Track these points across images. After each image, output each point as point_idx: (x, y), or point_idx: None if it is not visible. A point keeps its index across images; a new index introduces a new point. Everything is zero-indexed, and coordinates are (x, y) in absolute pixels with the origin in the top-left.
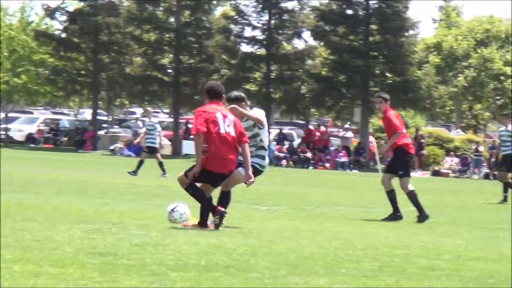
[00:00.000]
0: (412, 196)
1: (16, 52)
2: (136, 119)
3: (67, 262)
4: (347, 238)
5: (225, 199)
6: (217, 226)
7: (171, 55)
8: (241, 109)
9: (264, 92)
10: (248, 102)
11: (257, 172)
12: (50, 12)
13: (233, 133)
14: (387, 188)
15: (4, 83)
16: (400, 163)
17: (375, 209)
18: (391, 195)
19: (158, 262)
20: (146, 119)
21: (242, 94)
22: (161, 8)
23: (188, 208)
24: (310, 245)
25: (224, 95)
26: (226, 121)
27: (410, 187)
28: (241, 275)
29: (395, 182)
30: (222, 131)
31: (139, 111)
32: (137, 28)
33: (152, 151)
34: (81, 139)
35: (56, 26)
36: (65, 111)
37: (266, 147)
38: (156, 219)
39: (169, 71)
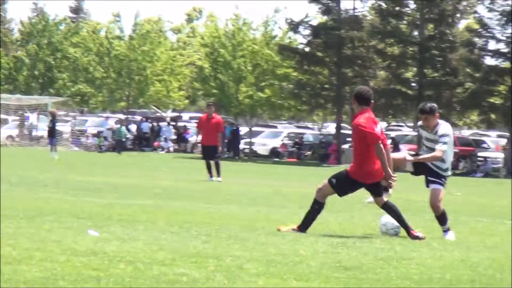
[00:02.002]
0: None
1: (259, 66)
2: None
3: (312, 276)
4: None
5: (443, 218)
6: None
7: (414, 69)
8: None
9: (508, 105)
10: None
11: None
12: (294, 26)
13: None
14: None
15: (248, 97)
16: None
17: None
18: None
19: (402, 276)
20: None
21: (435, 105)
22: (405, 22)
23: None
24: None
25: (372, 101)
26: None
27: None
28: None
29: None
30: None
31: (383, 125)
32: (380, 42)
33: None
34: (325, 153)
35: (300, 40)
36: (309, 125)
37: (447, 159)
38: (402, 232)
39: (413, 84)
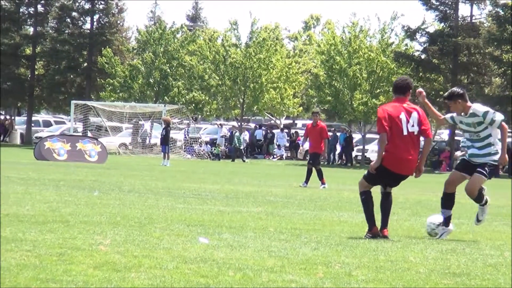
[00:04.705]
0: None
1: (375, 73)
2: None
3: (420, 282)
4: None
5: (479, 198)
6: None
7: None
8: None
9: None
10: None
11: (491, 166)
12: (411, 33)
13: (416, 132)
14: None
15: (362, 104)
16: None
17: None
18: None
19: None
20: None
21: (457, 90)
22: None
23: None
24: None
25: (409, 90)
26: (410, 121)
27: None
28: None
29: None
30: (404, 132)
31: None
32: (496, 49)
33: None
34: (437, 160)
35: (416, 47)
36: None
37: (493, 142)
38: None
39: None
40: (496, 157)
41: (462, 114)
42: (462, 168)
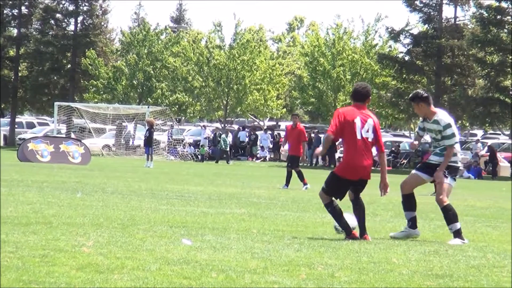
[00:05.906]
0: None
1: (358, 75)
2: (477, 141)
3: (403, 284)
4: None
5: (447, 214)
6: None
7: None
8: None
9: None
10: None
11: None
12: (395, 35)
13: (371, 138)
14: None
15: (346, 106)
16: None
17: None
18: None
19: (494, 284)
20: None
21: (423, 93)
22: (505, 30)
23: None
24: None
25: (369, 98)
26: (365, 126)
27: None
28: None
29: None
30: (358, 136)
31: (479, 133)
32: (480, 50)
33: None
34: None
35: (400, 48)
36: (406, 133)
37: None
38: (495, 240)
39: None
40: (455, 158)
41: (427, 119)
42: (421, 169)
